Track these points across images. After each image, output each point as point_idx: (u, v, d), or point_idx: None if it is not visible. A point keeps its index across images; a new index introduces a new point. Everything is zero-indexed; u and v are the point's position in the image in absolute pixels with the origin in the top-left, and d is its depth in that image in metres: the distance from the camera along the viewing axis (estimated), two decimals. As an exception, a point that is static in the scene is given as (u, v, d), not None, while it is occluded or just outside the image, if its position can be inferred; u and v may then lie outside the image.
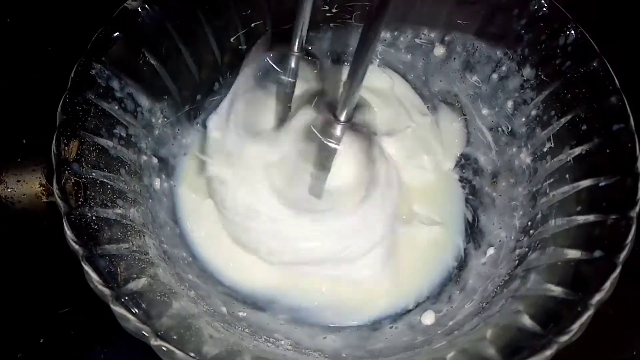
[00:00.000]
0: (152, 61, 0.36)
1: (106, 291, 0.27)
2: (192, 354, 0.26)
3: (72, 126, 0.31)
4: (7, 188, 0.41)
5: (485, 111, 0.41)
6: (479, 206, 0.40)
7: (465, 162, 0.42)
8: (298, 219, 0.35)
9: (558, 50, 0.35)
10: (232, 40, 0.41)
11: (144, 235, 0.33)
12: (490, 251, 0.37)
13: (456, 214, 0.40)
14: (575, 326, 0.26)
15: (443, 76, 0.43)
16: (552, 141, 0.35)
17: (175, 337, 0.27)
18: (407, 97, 0.44)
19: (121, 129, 0.34)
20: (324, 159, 0.33)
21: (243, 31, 0.41)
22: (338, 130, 0.30)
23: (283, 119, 0.38)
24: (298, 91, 0.38)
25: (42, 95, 0.37)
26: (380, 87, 0.43)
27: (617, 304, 0.28)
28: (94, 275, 0.27)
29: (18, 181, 0.42)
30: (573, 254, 0.30)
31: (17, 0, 0.47)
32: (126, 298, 0.27)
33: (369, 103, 0.38)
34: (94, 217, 0.29)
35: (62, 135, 0.30)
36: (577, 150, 0.33)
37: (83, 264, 0.27)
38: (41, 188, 0.41)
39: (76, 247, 0.28)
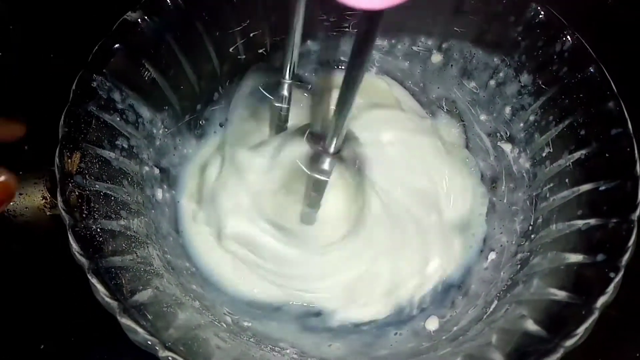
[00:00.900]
0: (152, 72, 0.36)
1: (113, 303, 0.27)
2: (201, 365, 0.26)
3: (75, 138, 0.31)
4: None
5: (483, 117, 0.42)
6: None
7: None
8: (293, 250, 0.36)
9: (555, 57, 0.36)
10: (231, 50, 0.41)
11: (147, 246, 0.33)
12: (492, 256, 0.38)
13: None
14: (581, 330, 0.26)
15: (441, 83, 0.44)
16: (550, 146, 0.36)
17: (182, 348, 0.27)
18: (405, 101, 0.44)
19: (123, 140, 0.34)
20: (314, 192, 0.33)
21: (242, 41, 0.41)
22: (327, 163, 0.30)
23: (274, 146, 0.38)
24: (291, 119, 0.38)
25: (41, 108, 0.37)
26: (379, 88, 0.44)
27: (620, 306, 0.28)
28: (100, 288, 0.27)
29: (20, 194, 0.41)
30: (575, 258, 0.30)
31: (19, 10, 0.47)
32: (133, 310, 0.27)
33: (357, 136, 0.38)
34: (98, 229, 0.29)
35: (65, 148, 0.30)
36: (576, 155, 0.34)
37: (89, 276, 0.27)
38: (43, 201, 0.41)
39: (82, 259, 0.28)
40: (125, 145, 0.35)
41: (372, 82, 0.45)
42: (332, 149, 0.29)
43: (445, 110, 0.45)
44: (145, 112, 0.36)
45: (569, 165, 0.34)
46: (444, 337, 0.33)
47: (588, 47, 0.35)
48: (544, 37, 0.36)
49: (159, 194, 0.38)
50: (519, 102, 0.38)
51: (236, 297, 0.37)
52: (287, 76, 0.32)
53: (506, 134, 0.40)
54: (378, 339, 0.35)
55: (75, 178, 0.30)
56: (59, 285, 0.38)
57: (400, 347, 0.34)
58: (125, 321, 0.26)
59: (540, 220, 0.35)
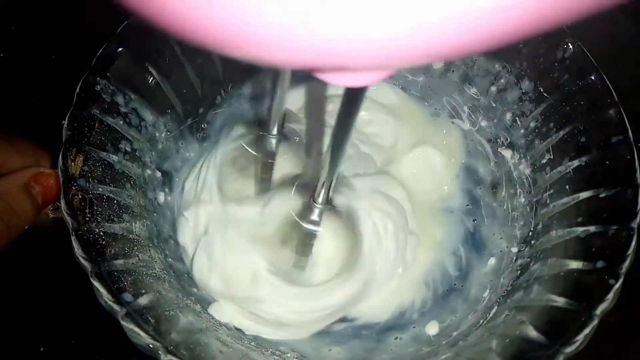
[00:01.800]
0: (155, 76, 0.37)
1: (116, 307, 0.27)
2: (203, 369, 0.26)
3: (78, 142, 0.31)
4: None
5: (484, 123, 0.42)
6: (479, 216, 0.40)
7: (465, 172, 0.43)
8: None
9: (556, 64, 0.36)
10: (233, 54, 0.42)
11: (149, 250, 0.33)
12: (492, 261, 0.38)
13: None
14: (580, 337, 0.26)
15: (442, 89, 0.44)
16: (551, 153, 0.36)
17: (185, 352, 0.27)
18: (409, 108, 0.45)
19: (126, 144, 0.35)
20: (305, 242, 0.33)
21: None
22: (316, 214, 0.30)
23: (263, 199, 0.38)
24: (278, 170, 0.38)
25: (45, 111, 0.37)
26: (384, 102, 0.44)
27: (619, 313, 0.29)
28: (103, 291, 0.27)
29: (22, 197, 0.41)
30: (575, 264, 0.31)
31: (21, 11, 0.47)
32: (136, 314, 0.27)
33: (349, 182, 0.38)
34: (101, 233, 0.30)
35: (68, 151, 0.31)
36: (577, 162, 0.34)
37: (92, 280, 0.27)
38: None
39: (85, 263, 0.28)
40: (128, 149, 0.35)
41: (381, 91, 0.45)
42: (320, 200, 0.29)
43: (446, 116, 0.45)
44: (148, 116, 0.37)
45: (569, 172, 0.34)
46: (444, 342, 0.33)
47: (589, 54, 0.35)
48: (545, 44, 0.36)
49: (161, 197, 0.38)
50: (520, 108, 0.39)
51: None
52: (273, 131, 0.32)
53: (507, 140, 0.40)
54: (378, 344, 0.35)
55: (78, 181, 0.30)
56: (60, 287, 0.38)
57: (400, 352, 0.34)
58: (128, 325, 0.26)
59: (540, 226, 0.35)
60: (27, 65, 0.46)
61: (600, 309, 0.27)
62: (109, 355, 0.38)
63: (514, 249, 0.37)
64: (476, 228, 0.40)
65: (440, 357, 0.31)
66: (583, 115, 0.34)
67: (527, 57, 0.37)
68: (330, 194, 0.28)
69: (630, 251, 0.29)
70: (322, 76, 0.17)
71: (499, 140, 0.41)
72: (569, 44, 0.36)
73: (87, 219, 0.29)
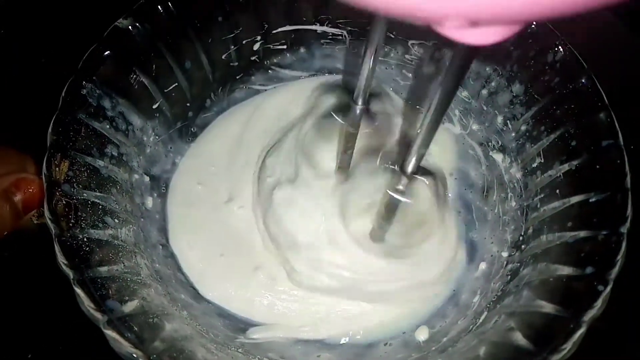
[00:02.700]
0: (143, 79, 0.36)
1: (98, 315, 0.26)
2: (186, 378, 0.26)
3: (63, 146, 0.31)
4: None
5: (475, 126, 0.42)
6: (470, 220, 0.40)
7: (457, 177, 0.42)
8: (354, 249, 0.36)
9: (547, 67, 0.36)
10: (223, 57, 0.41)
11: (135, 256, 0.33)
12: (483, 266, 0.38)
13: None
14: (568, 344, 0.26)
15: (433, 92, 0.43)
16: (542, 156, 0.36)
17: (168, 360, 0.26)
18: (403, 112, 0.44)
19: (112, 148, 0.34)
20: (387, 210, 0.32)
21: (234, 48, 0.41)
22: (403, 183, 0.29)
23: (344, 166, 0.38)
24: (360, 140, 0.37)
25: (30, 115, 0.37)
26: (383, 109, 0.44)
27: (608, 319, 0.28)
28: (85, 299, 0.27)
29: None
30: (565, 270, 0.30)
31: (10, 15, 0.47)
32: (118, 321, 0.27)
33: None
34: (85, 239, 0.29)
35: (52, 156, 0.30)
36: (567, 166, 0.34)
37: (75, 287, 0.27)
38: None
39: (67, 270, 0.27)
40: (115, 153, 0.34)
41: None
42: (410, 169, 0.28)
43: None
44: (136, 120, 0.36)
45: (560, 175, 0.34)
46: (433, 348, 0.33)
47: (580, 58, 0.35)
48: (536, 48, 0.36)
49: (149, 202, 0.38)
50: (511, 111, 0.38)
51: (224, 308, 0.37)
52: (359, 102, 0.32)
53: (498, 143, 0.40)
54: (368, 350, 0.35)
55: (62, 187, 0.30)
56: (47, 294, 0.38)
57: (389, 358, 0.34)
58: (110, 333, 0.26)
59: (530, 230, 0.35)
60: (14, 69, 0.45)
61: (589, 315, 0.27)
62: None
63: (505, 254, 0.37)
64: (467, 233, 0.40)
65: (428, 363, 0.31)
66: (574, 118, 0.34)
67: (518, 60, 0.37)
68: (418, 164, 0.28)
69: (619, 257, 0.28)
70: (449, 32, 0.16)
71: (490, 143, 0.41)
72: (560, 47, 0.35)
73: (71, 224, 0.29)
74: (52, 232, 0.28)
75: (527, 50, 0.37)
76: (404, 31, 0.42)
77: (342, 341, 0.36)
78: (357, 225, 0.35)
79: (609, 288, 0.28)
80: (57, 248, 0.28)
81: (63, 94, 0.32)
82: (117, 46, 0.34)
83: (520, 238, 0.36)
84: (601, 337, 0.31)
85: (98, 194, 0.32)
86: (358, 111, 0.32)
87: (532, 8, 0.14)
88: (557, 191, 0.34)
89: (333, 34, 0.43)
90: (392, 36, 0.42)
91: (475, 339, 0.31)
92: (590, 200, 0.32)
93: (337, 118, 0.37)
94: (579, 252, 0.30)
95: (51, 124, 0.31)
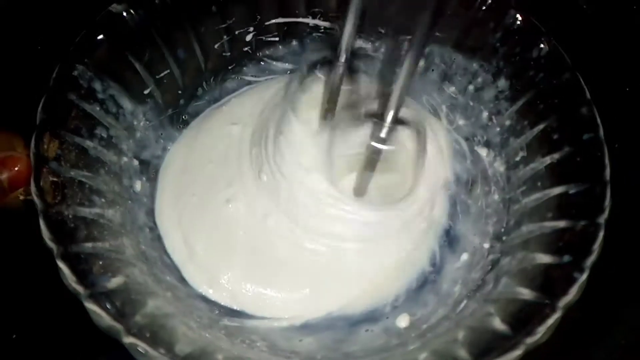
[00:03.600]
0: (135, 65, 0.37)
1: (80, 289, 0.27)
2: (165, 352, 0.26)
3: (53, 125, 0.31)
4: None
5: (461, 122, 0.42)
6: (454, 213, 0.41)
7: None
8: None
9: (532, 63, 0.36)
10: (216, 46, 0.42)
11: (121, 236, 0.33)
12: (465, 257, 0.38)
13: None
14: (543, 328, 0.27)
15: (422, 87, 0.44)
16: (525, 150, 0.36)
17: (148, 335, 0.27)
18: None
19: (102, 130, 0.35)
20: (369, 160, 0.34)
21: (227, 38, 0.42)
22: (384, 132, 0.31)
23: (329, 120, 0.38)
24: (343, 97, 0.38)
25: (21, 95, 0.37)
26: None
27: (584, 308, 0.29)
28: (68, 273, 0.27)
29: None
30: (543, 258, 0.31)
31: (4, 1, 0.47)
32: (100, 296, 0.27)
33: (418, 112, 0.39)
34: (70, 215, 0.30)
35: (41, 134, 0.31)
36: (549, 159, 0.34)
37: (58, 261, 0.27)
38: (21, 188, 0.41)
39: (51, 244, 0.28)
40: (104, 135, 0.35)
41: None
42: (389, 119, 0.30)
43: (428, 114, 0.45)
44: (127, 104, 0.37)
45: (542, 168, 0.35)
46: (413, 335, 0.33)
47: (564, 54, 0.36)
48: (521, 44, 0.37)
49: (138, 185, 0.38)
50: (496, 107, 0.39)
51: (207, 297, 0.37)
52: (341, 58, 0.33)
53: (483, 138, 0.41)
54: (349, 335, 0.35)
55: (50, 163, 0.30)
56: (32, 273, 0.38)
57: (370, 344, 0.34)
58: (90, 306, 0.26)
59: (512, 222, 0.36)
60: (5, 50, 0.46)
61: (564, 301, 0.27)
62: (84, 341, 0.38)
63: (486, 245, 0.37)
64: (451, 224, 0.40)
65: (407, 348, 0.31)
66: (556, 113, 0.35)
67: (504, 56, 0.38)
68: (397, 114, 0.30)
69: (595, 246, 0.29)
70: None
71: (475, 138, 0.41)
72: (545, 44, 0.36)
73: (57, 201, 0.29)
74: (37, 207, 0.29)
75: (513, 46, 0.37)
76: (393, 26, 0.42)
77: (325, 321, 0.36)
78: (343, 180, 0.36)
79: (585, 275, 0.28)
80: (42, 222, 0.28)
81: (54, 74, 0.33)
82: (110, 30, 0.35)
83: (502, 230, 0.36)
84: (577, 326, 0.32)
85: (86, 173, 0.32)
86: (342, 67, 0.33)
87: None
88: (539, 183, 0.35)
89: (325, 28, 0.44)
90: (382, 31, 0.43)
91: (454, 325, 0.31)
92: (570, 192, 0.32)
93: (319, 74, 0.37)
94: (557, 242, 0.31)
95: (41, 103, 0.32)
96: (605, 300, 0.36)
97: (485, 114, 0.40)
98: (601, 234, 0.29)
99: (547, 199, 0.33)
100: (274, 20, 0.43)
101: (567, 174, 0.33)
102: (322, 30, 0.44)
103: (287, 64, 0.46)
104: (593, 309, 0.33)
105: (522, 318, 0.28)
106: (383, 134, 0.31)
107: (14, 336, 0.38)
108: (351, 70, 0.38)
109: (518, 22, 0.37)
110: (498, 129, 0.39)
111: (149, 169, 0.40)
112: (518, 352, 0.26)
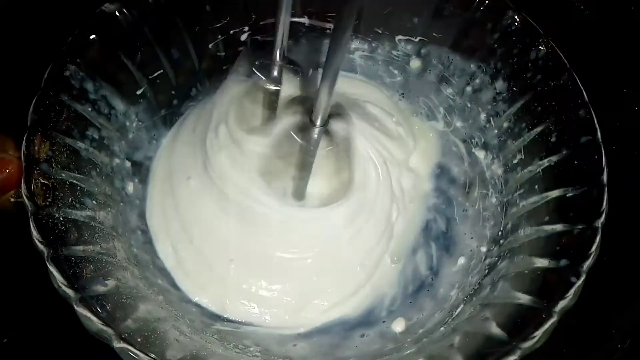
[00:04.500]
0: (128, 65, 0.36)
1: (70, 292, 0.26)
2: (156, 357, 0.25)
3: (44, 126, 0.31)
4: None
5: (459, 123, 0.42)
6: (452, 216, 0.40)
7: (439, 173, 0.42)
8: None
9: (529, 64, 0.36)
10: (210, 47, 0.41)
11: (113, 239, 0.33)
12: (461, 260, 0.38)
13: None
14: (539, 333, 0.26)
15: (419, 88, 0.44)
16: (522, 153, 0.36)
17: (139, 339, 0.26)
18: (386, 106, 0.44)
19: (94, 131, 0.34)
20: (304, 162, 0.34)
21: (221, 38, 0.41)
22: (315, 133, 0.31)
23: (269, 124, 0.38)
24: (283, 96, 0.39)
25: (12, 97, 0.37)
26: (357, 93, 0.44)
27: (581, 313, 0.28)
28: (58, 276, 0.27)
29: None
30: (540, 262, 0.30)
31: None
32: (91, 300, 0.27)
33: (345, 109, 0.38)
34: (61, 218, 0.29)
35: (32, 135, 0.30)
36: (546, 162, 0.34)
37: (48, 264, 0.27)
38: (12, 191, 0.41)
39: (41, 247, 0.27)
40: (96, 136, 0.34)
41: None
42: (319, 122, 0.31)
43: (423, 117, 0.45)
44: (119, 104, 0.36)
45: (539, 171, 0.34)
46: (409, 339, 0.33)
47: (562, 55, 0.35)
48: (519, 45, 0.37)
49: (130, 187, 0.38)
50: (494, 108, 0.39)
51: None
52: (277, 58, 0.34)
53: (481, 140, 0.40)
54: (344, 340, 0.35)
55: (41, 165, 0.30)
56: (23, 276, 0.37)
57: (365, 349, 0.34)
58: (81, 310, 0.26)
59: (509, 225, 0.35)
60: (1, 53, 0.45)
61: (560, 306, 0.27)
62: (76, 344, 0.37)
63: (484, 249, 0.37)
64: (448, 227, 0.40)
65: (403, 353, 0.31)
66: (554, 115, 0.34)
67: (502, 58, 0.38)
68: (326, 116, 0.31)
69: (592, 250, 0.29)
70: None
71: (473, 140, 0.41)
72: (543, 45, 0.36)
73: (48, 203, 0.29)
74: (28, 210, 0.28)
75: (511, 47, 0.37)
76: (390, 26, 0.42)
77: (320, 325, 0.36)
78: (279, 184, 0.36)
79: (581, 280, 0.28)
80: (32, 225, 0.28)
81: (46, 75, 0.32)
82: (103, 30, 0.34)
83: (499, 233, 0.36)
84: (573, 333, 0.32)
85: (77, 175, 0.32)
86: (277, 67, 0.33)
87: None
88: (536, 186, 0.34)
89: (321, 28, 0.43)
90: (380, 32, 0.43)
91: (450, 329, 0.31)
92: (568, 195, 0.32)
93: (258, 74, 0.38)
94: (554, 245, 0.31)
95: (32, 103, 0.31)
96: (602, 305, 0.36)
97: (483, 116, 0.40)
98: (598, 238, 0.29)
99: (544, 202, 0.33)
100: (269, 20, 0.42)
101: (564, 177, 0.33)
102: (318, 31, 0.44)
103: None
104: (590, 313, 0.33)
105: (519, 323, 0.28)
106: (315, 136, 0.32)
107: (5, 340, 0.38)
108: (292, 72, 0.39)
109: (516, 24, 0.36)
110: (496, 131, 0.39)
111: (142, 171, 0.39)
112: (514, 357, 0.26)
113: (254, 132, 0.37)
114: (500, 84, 0.38)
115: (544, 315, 0.27)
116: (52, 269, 0.27)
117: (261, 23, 0.42)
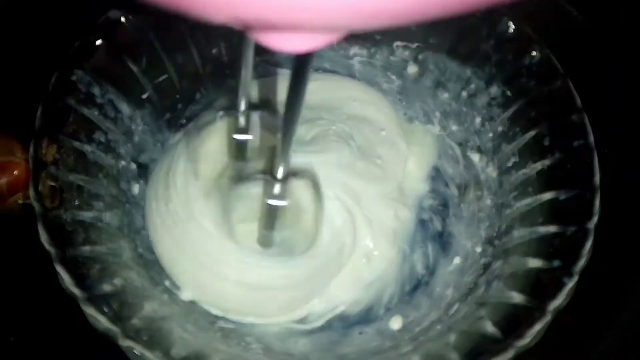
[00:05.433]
0: (133, 69, 0.37)
1: (77, 292, 0.27)
2: (161, 355, 0.26)
3: (51, 130, 0.32)
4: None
5: (454, 127, 0.43)
6: (447, 217, 0.41)
7: (436, 175, 0.44)
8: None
9: (524, 70, 0.37)
10: (213, 52, 0.42)
11: (119, 239, 0.33)
12: (457, 260, 0.39)
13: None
14: (533, 331, 0.27)
15: (416, 93, 0.45)
16: (517, 156, 0.37)
17: (145, 338, 0.27)
18: (384, 113, 0.45)
19: (100, 135, 0.35)
20: (269, 216, 0.33)
21: (224, 44, 0.42)
22: (277, 188, 0.30)
23: (239, 174, 0.38)
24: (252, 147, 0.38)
25: (20, 100, 0.38)
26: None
27: (574, 312, 0.29)
28: (66, 277, 0.27)
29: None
30: (534, 263, 0.31)
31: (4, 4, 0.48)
32: (97, 299, 0.27)
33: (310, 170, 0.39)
34: (68, 219, 0.30)
35: (40, 138, 0.31)
36: (540, 165, 0.35)
37: (56, 265, 0.28)
38: (20, 193, 0.41)
39: (50, 248, 0.28)
40: (103, 140, 0.35)
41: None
42: (279, 175, 0.29)
43: (419, 119, 0.46)
44: (125, 108, 0.37)
45: (533, 174, 0.35)
46: (406, 337, 0.34)
47: (556, 61, 0.36)
48: (514, 51, 0.37)
49: (136, 188, 0.38)
50: (489, 113, 0.40)
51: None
52: (242, 107, 0.33)
53: (476, 143, 0.41)
54: (343, 337, 0.36)
55: (48, 168, 0.31)
56: (31, 277, 0.38)
57: (364, 346, 0.35)
58: (88, 309, 0.27)
59: (504, 226, 0.36)
60: (4, 56, 0.46)
61: (553, 305, 0.28)
62: (82, 343, 0.38)
63: (479, 249, 0.38)
64: (444, 228, 0.41)
65: (400, 350, 0.32)
66: (548, 119, 0.35)
67: (497, 63, 0.38)
68: (287, 170, 0.29)
69: (585, 251, 0.30)
70: (261, 38, 0.15)
71: (468, 144, 0.42)
72: (537, 51, 0.37)
73: (55, 204, 0.30)
74: (36, 212, 0.29)
75: (506, 53, 0.38)
76: (388, 32, 0.43)
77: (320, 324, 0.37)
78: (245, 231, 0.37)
79: (574, 280, 0.29)
80: (40, 226, 0.28)
81: (53, 79, 0.33)
82: (109, 36, 0.35)
83: (494, 234, 0.37)
84: (566, 332, 0.33)
85: (84, 177, 0.33)
86: (244, 117, 0.34)
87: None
88: (530, 189, 0.35)
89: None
90: (378, 38, 0.44)
91: (446, 328, 0.32)
92: (561, 198, 0.33)
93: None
94: (548, 247, 0.32)
95: (40, 107, 0.32)
96: (596, 304, 0.37)
97: (478, 120, 0.41)
98: (590, 240, 0.30)
99: (538, 204, 0.34)
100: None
101: (557, 179, 0.34)
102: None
103: (284, 69, 0.46)
104: (584, 312, 0.34)
105: (513, 321, 0.29)
106: (276, 191, 0.30)
107: (12, 339, 0.39)
108: (258, 119, 0.38)
109: (511, 30, 0.37)
110: (490, 134, 0.40)
111: (147, 173, 0.40)
112: (508, 355, 0.27)
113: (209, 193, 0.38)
114: (495, 89, 0.39)
115: (537, 315, 0.28)
116: (60, 269, 0.28)
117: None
